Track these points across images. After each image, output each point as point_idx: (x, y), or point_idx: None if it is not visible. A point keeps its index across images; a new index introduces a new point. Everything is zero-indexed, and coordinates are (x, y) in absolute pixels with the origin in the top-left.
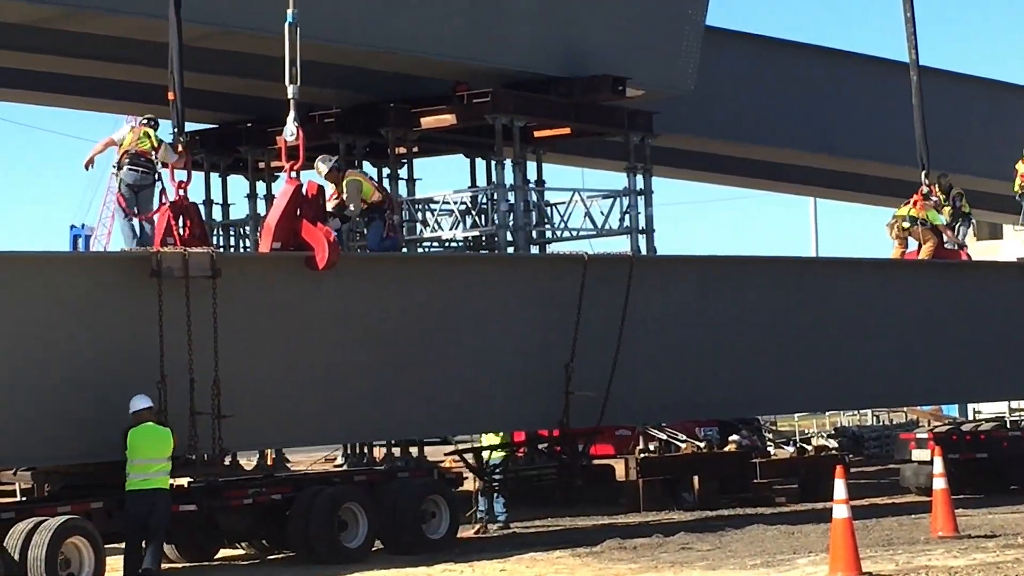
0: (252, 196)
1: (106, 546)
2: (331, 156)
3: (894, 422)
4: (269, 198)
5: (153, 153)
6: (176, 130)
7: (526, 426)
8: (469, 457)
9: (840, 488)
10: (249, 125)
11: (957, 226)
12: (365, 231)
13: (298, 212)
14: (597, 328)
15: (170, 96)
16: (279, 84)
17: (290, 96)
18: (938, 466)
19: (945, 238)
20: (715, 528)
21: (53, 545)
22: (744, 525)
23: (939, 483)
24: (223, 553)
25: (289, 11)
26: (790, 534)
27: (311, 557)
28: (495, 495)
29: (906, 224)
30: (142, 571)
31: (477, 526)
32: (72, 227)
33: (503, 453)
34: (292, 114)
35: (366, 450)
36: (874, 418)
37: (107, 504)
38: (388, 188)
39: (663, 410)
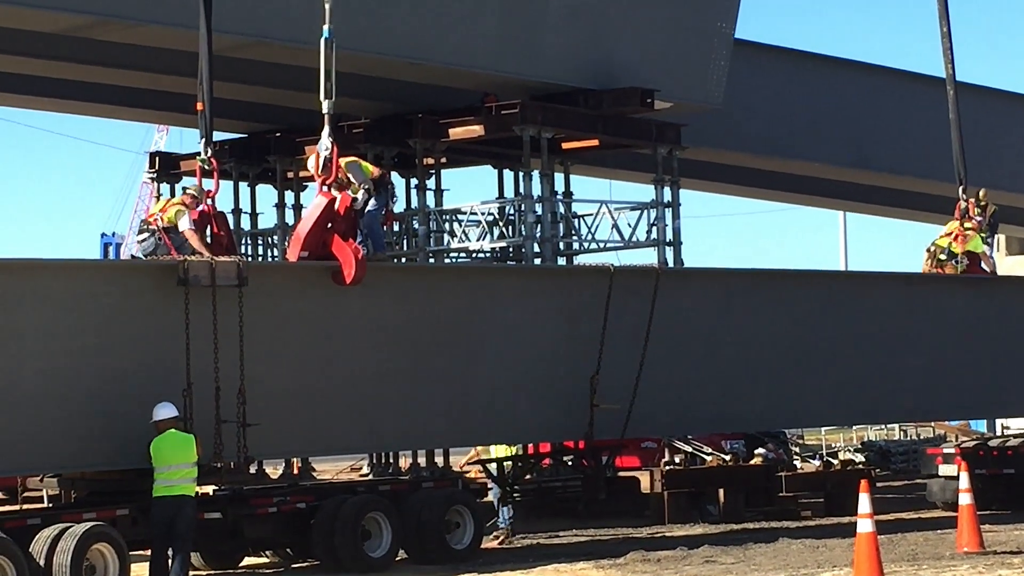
0: (280, 206)
1: (131, 553)
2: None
3: (921, 437)
4: (298, 208)
5: (159, 215)
6: (204, 140)
7: (551, 437)
8: (492, 467)
9: (865, 502)
10: (278, 135)
11: (991, 240)
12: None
13: (329, 225)
14: (623, 340)
15: (199, 107)
16: (308, 94)
17: (324, 111)
18: (964, 481)
19: (983, 264)
20: (740, 541)
21: (78, 551)
22: (769, 539)
23: (965, 498)
24: (247, 561)
25: (325, 27)
26: (815, 548)
27: (335, 566)
28: (501, 503)
29: (943, 256)
30: None
31: (501, 536)
32: (103, 235)
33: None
34: (326, 128)
35: (391, 459)
36: (901, 433)
37: (132, 511)
38: (416, 197)
39: (688, 423)
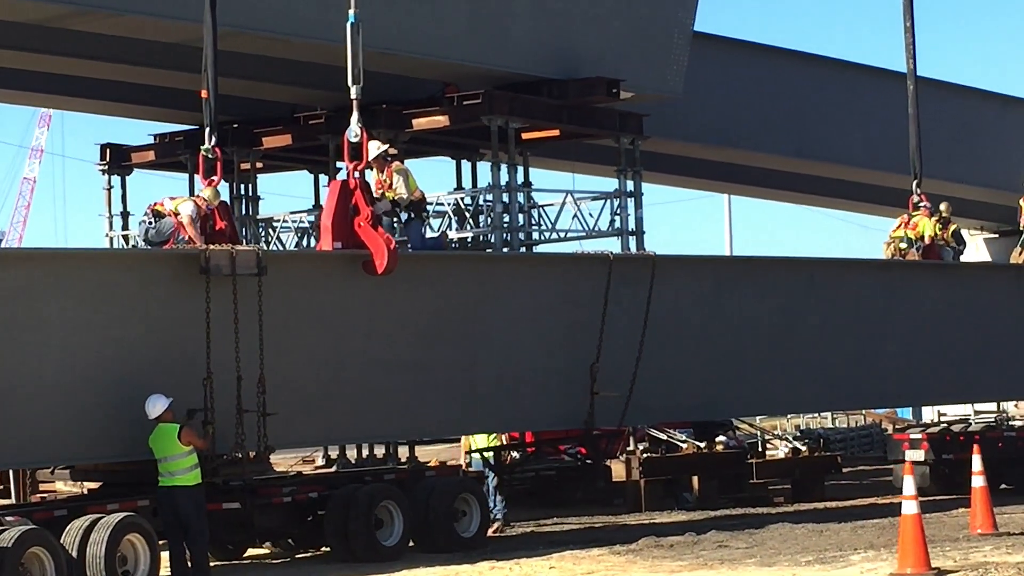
0: (236, 198)
1: None
2: (384, 145)
3: (857, 424)
4: (254, 199)
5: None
6: (208, 128)
7: (551, 425)
8: (489, 456)
9: (909, 484)
10: (235, 126)
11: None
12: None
13: (351, 208)
14: (620, 327)
15: (203, 94)
16: (265, 85)
17: (353, 96)
18: (976, 464)
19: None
20: (731, 527)
21: (112, 543)
22: (759, 524)
23: (978, 481)
24: (250, 552)
25: (351, 11)
26: (819, 532)
27: (348, 555)
28: (497, 492)
29: (903, 245)
30: None
31: (495, 524)
32: None
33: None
34: (356, 114)
35: (343, 452)
36: (833, 420)
37: (153, 502)
38: None
39: (681, 410)
